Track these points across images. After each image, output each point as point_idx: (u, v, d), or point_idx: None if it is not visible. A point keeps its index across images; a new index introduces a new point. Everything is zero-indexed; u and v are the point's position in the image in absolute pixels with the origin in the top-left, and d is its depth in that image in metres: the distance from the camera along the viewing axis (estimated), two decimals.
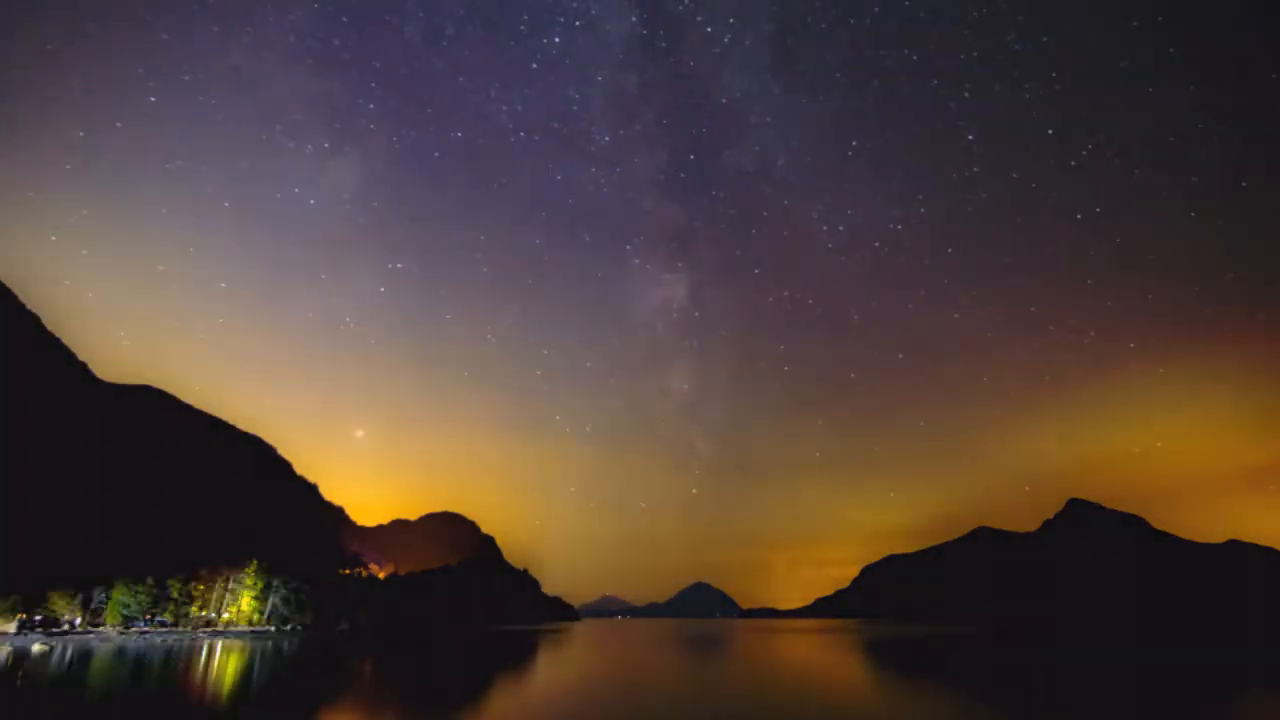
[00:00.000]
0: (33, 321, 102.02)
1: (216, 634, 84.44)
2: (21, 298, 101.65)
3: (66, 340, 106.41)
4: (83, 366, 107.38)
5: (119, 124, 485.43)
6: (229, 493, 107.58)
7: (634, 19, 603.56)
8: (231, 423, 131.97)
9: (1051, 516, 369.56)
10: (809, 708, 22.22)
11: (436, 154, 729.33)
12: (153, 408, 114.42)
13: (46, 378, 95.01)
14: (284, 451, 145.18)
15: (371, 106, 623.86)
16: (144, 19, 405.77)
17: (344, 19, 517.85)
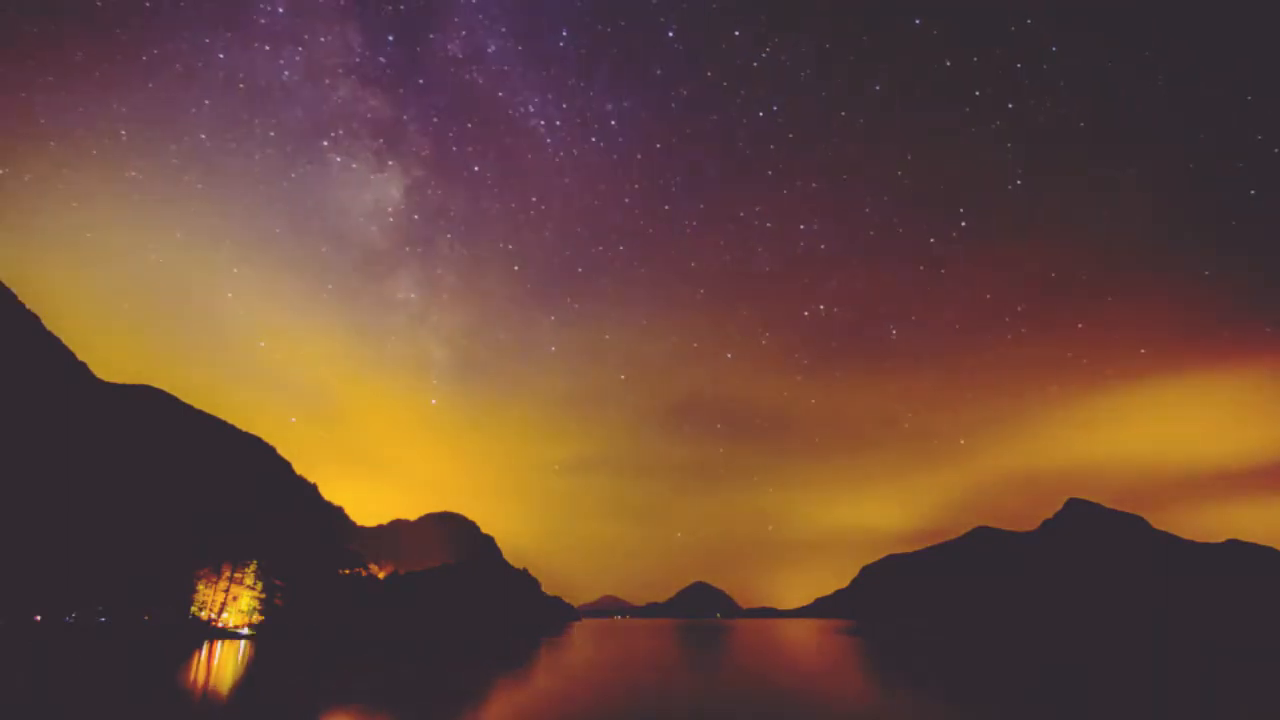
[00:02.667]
0: (33, 322, 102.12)
1: (216, 635, 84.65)
2: (21, 297, 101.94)
3: (66, 340, 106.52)
4: (83, 366, 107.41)
5: (172, 146, 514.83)
6: (228, 493, 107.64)
7: None
8: (231, 423, 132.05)
9: (1051, 516, 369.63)
10: (804, 706, 22.31)
11: (477, 167, 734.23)
12: (153, 408, 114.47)
13: (46, 378, 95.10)
14: (284, 451, 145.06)
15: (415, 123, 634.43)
16: (202, 41, 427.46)
17: (390, 37, 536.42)
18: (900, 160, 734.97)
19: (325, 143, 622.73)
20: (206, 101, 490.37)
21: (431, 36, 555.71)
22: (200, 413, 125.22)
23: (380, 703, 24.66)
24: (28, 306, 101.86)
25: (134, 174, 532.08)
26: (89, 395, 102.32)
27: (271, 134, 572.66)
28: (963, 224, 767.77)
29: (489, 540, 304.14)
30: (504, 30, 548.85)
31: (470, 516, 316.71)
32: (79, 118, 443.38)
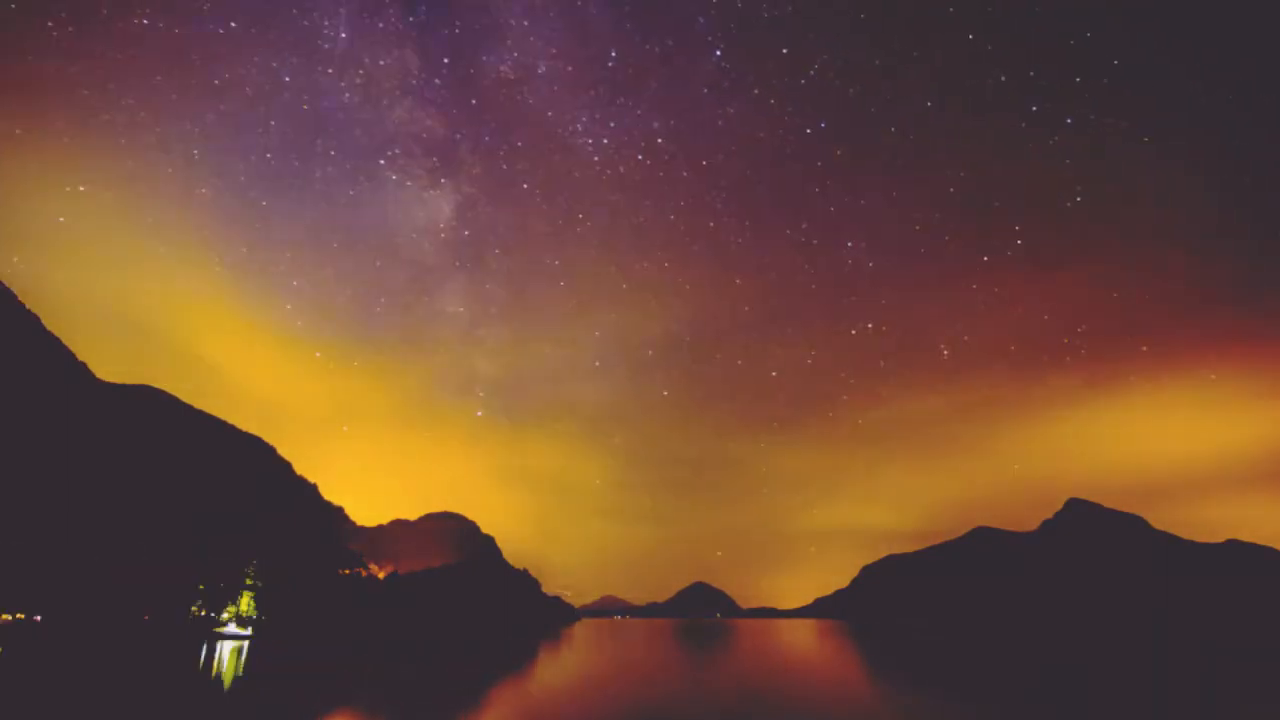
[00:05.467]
0: (33, 322, 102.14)
1: (216, 635, 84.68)
2: (21, 297, 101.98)
3: (66, 340, 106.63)
4: (83, 367, 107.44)
5: (240, 164, 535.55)
6: (228, 492, 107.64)
7: None
8: (232, 423, 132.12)
9: (1051, 516, 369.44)
10: (805, 706, 22.29)
11: (525, 184, 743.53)
12: (153, 408, 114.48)
13: (46, 378, 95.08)
14: (284, 451, 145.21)
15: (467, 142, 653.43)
16: (270, 65, 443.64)
17: (445, 60, 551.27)
18: (953, 176, 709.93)
19: (382, 161, 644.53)
20: (273, 122, 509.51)
21: (484, 59, 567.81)
22: (200, 413, 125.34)
23: (380, 703, 24.65)
24: (28, 307, 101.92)
25: (204, 191, 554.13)
26: (89, 395, 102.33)
27: (332, 153, 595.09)
28: (1018, 242, 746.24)
29: (489, 540, 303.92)
30: (554, 51, 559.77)
31: (470, 516, 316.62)
32: (156, 138, 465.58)
